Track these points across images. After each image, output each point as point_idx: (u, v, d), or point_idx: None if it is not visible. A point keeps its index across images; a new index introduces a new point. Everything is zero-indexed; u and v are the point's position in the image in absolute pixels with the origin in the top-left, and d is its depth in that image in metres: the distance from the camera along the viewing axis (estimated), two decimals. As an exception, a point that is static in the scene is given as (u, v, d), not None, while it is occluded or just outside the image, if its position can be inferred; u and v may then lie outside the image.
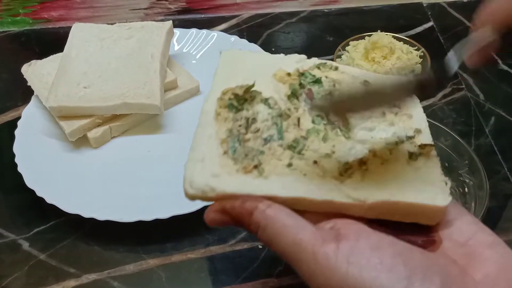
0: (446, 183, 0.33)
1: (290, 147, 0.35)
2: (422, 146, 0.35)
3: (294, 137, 0.36)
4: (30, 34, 0.91)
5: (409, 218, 0.33)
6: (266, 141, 0.36)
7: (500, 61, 0.82)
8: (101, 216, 0.59)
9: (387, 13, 0.93)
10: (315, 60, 0.42)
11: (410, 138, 0.36)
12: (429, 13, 0.92)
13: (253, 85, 0.39)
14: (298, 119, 0.37)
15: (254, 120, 0.37)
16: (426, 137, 0.36)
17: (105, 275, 0.58)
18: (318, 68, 0.41)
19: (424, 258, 0.30)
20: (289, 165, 0.34)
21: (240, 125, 0.37)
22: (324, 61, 0.42)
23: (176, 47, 0.83)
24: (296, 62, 0.42)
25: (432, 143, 0.36)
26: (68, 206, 0.60)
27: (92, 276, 0.58)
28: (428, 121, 0.39)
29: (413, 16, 0.92)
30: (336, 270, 0.29)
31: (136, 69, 0.72)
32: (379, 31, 0.81)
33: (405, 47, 0.80)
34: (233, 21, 0.92)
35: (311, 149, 0.35)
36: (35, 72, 0.74)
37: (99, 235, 0.61)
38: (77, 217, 0.60)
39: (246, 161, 0.34)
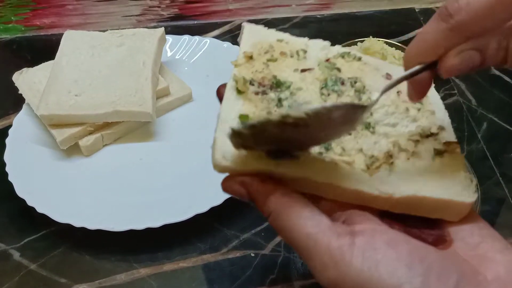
0: (472, 180, 0.34)
1: None
2: (447, 144, 0.36)
3: None
4: (22, 42, 0.91)
5: (435, 214, 0.33)
6: None
7: (492, 66, 0.82)
8: (92, 225, 0.59)
9: (379, 19, 0.93)
10: (339, 48, 0.42)
11: (434, 134, 0.36)
12: (422, 18, 0.92)
13: (281, 83, 0.38)
14: None
15: (280, 106, 0.37)
16: (449, 134, 0.37)
17: (96, 285, 0.58)
18: (342, 57, 0.41)
19: (439, 256, 0.30)
20: (320, 153, 0.34)
21: (267, 112, 0.36)
22: (348, 50, 0.42)
23: (169, 54, 0.83)
24: (321, 49, 0.42)
25: (456, 140, 0.36)
26: (59, 215, 0.60)
27: (83, 286, 0.57)
28: None
29: (405, 21, 0.92)
30: (352, 264, 0.29)
31: (127, 76, 0.72)
32: (371, 37, 0.81)
33: (397, 52, 0.80)
34: (225, 27, 0.92)
35: (337, 142, 0.35)
36: (26, 80, 0.74)
37: (90, 245, 0.61)
38: (68, 226, 0.59)
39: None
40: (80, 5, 0.92)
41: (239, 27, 0.92)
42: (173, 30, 0.89)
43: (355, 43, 0.81)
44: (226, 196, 0.59)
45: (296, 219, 0.31)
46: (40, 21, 0.93)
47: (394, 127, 0.37)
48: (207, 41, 0.84)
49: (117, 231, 0.58)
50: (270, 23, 0.93)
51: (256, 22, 0.92)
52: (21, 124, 0.71)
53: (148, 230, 0.58)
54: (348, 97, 0.38)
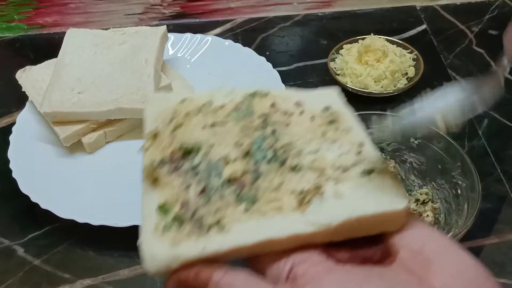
0: (400, 187, 0.33)
1: (241, 196, 0.33)
2: (374, 164, 0.35)
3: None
4: (24, 40, 0.92)
5: (375, 230, 0.33)
6: (214, 195, 0.33)
7: (492, 64, 0.83)
8: (95, 221, 0.59)
9: (380, 17, 0.94)
10: (244, 90, 0.39)
11: (358, 153, 0.35)
12: (422, 16, 0.93)
13: (190, 149, 0.36)
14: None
15: (197, 174, 0.34)
16: (370, 148, 0.36)
17: (100, 280, 0.58)
18: (251, 98, 0.39)
19: (383, 283, 0.30)
20: (246, 210, 0.33)
21: (186, 187, 0.34)
22: (252, 89, 0.39)
23: (171, 52, 0.83)
24: (225, 96, 0.39)
25: (379, 154, 0.36)
26: (63, 211, 0.60)
27: (86, 282, 0.58)
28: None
29: (406, 19, 0.92)
30: None
31: (130, 74, 0.72)
32: (372, 34, 0.82)
33: (398, 50, 0.80)
34: (227, 26, 0.92)
35: (262, 189, 0.33)
36: (29, 78, 0.75)
37: (93, 240, 0.61)
38: (72, 223, 0.60)
39: (203, 221, 0.32)
40: (83, 4, 0.92)
41: (241, 25, 0.92)
42: (175, 28, 0.89)
43: (356, 41, 0.82)
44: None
45: None
46: (42, 19, 0.93)
47: (316, 154, 0.36)
48: (209, 39, 0.84)
49: (120, 226, 0.59)
50: (271, 21, 0.93)
51: (258, 20, 0.93)
52: (24, 122, 0.72)
53: (151, 226, 0.59)
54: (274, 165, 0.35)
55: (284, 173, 0.34)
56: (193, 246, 0.31)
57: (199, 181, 0.33)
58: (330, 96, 0.40)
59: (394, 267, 0.31)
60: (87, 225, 0.59)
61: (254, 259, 0.33)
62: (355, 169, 0.34)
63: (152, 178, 0.34)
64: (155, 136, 0.36)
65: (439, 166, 0.61)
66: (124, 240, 0.60)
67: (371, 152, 0.35)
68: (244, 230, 0.32)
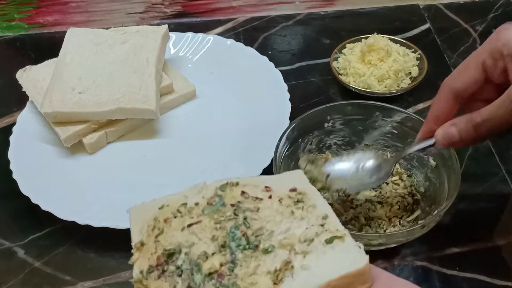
0: (360, 246, 0.37)
1: (222, 287, 0.36)
2: (335, 232, 0.39)
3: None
4: (25, 39, 0.91)
5: None
6: None
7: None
8: (96, 223, 0.59)
9: (383, 15, 0.93)
10: (215, 183, 0.43)
11: (321, 225, 0.39)
12: (426, 15, 0.92)
13: (172, 252, 0.39)
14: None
15: (181, 274, 0.38)
16: (332, 219, 0.40)
17: (101, 283, 0.57)
18: (222, 190, 0.42)
19: None
20: None
21: (173, 278, 0.37)
22: (223, 181, 0.43)
23: (172, 51, 0.83)
24: (198, 192, 0.43)
25: (339, 222, 0.39)
26: (63, 213, 0.60)
27: (87, 284, 0.57)
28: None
29: (410, 18, 0.92)
30: None
31: (131, 74, 0.72)
32: (375, 33, 0.81)
33: (402, 49, 0.80)
34: (229, 25, 0.92)
35: (240, 275, 0.37)
36: (29, 77, 0.74)
37: (94, 242, 0.61)
38: (73, 224, 0.59)
39: None
40: (83, 3, 0.92)
41: (242, 24, 0.92)
42: (176, 28, 0.88)
43: (359, 40, 0.81)
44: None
45: None
46: (43, 19, 0.93)
47: (288, 232, 0.39)
48: (210, 38, 0.84)
49: (121, 228, 0.58)
50: (273, 20, 0.92)
51: (260, 19, 0.92)
52: (25, 122, 0.71)
53: (153, 228, 0.58)
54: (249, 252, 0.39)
55: (258, 257, 0.38)
56: None
57: (184, 280, 0.37)
58: (296, 178, 0.44)
59: None
60: (88, 226, 0.59)
61: None
62: (318, 239, 0.38)
63: (143, 287, 0.38)
64: (141, 246, 0.40)
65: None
66: (125, 242, 0.59)
67: (333, 222, 0.39)
68: None
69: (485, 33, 0.87)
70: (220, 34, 0.88)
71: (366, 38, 0.80)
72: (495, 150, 0.69)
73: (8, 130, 0.71)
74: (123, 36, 0.77)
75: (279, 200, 0.41)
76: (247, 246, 0.38)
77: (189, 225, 0.40)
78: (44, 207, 0.61)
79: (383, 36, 0.80)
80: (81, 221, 0.59)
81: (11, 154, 0.67)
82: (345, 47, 0.81)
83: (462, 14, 0.92)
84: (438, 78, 0.79)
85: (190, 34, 0.84)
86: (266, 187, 0.43)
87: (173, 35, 0.83)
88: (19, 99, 0.74)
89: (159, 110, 0.70)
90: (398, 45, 0.80)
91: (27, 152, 0.68)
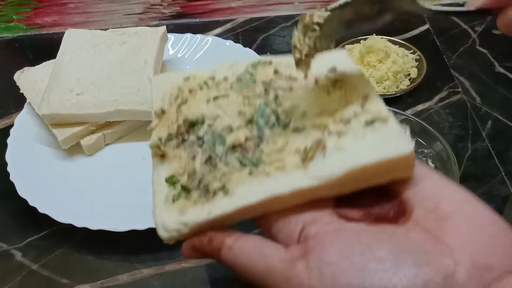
0: (405, 131, 0.32)
1: (245, 161, 0.34)
2: (376, 114, 0.34)
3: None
4: (23, 40, 0.91)
5: (383, 179, 0.32)
6: (219, 162, 0.35)
7: (496, 64, 0.82)
8: (94, 225, 0.59)
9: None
10: (247, 61, 0.41)
11: (361, 106, 0.35)
12: (425, 16, 0.92)
13: (195, 122, 0.37)
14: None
15: (202, 145, 0.36)
16: (375, 100, 0.35)
17: (98, 286, 0.57)
18: (254, 67, 0.40)
19: (395, 242, 0.29)
20: (250, 173, 0.34)
21: (192, 157, 0.35)
22: (255, 59, 0.40)
23: (171, 52, 0.83)
24: (228, 68, 0.40)
25: (383, 104, 0.35)
26: (61, 215, 0.60)
27: (85, 287, 0.57)
28: (393, 110, 0.38)
29: (409, 19, 0.91)
30: (313, 287, 0.29)
31: (129, 75, 0.71)
32: (374, 34, 0.81)
33: (401, 50, 0.79)
34: (228, 25, 0.92)
35: (266, 152, 0.34)
36: (27, 79, 0.74)
37: (92, 245, 0.60)
38: (70, 226, 0.59)
39: (209, 187, 0.34)
40: (82, 4, 0.92)
41: (241, 25, 0.92)
42: (175, 28, 0.88)
43: (358, 41, 0.81)
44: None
45: (251, 261, 0.31)
46: (41, 19, 0.93)
47: (321, 114, 0.36)
48: (209, 40, 0.84)
49: (119, 231, 0.58)
50: (272, 21, 0.92)
51: (258, 20, 0.92)
52: (22, 124, 0.71)
53: (150, 230, 0.58)
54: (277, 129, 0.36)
55: (287, 135, 0.35)
56: (199, 212, 0.33)
57: (204, 151, 0.35)
58: (337, 58, 0.39)
59: (409, 226, 0.30)
60: (85, 229, 0.59)
61: (265, 222, 0.33)
62: (357, 121, 0.34)
63: (160, 153, 0.36)
64: (162, 113, 0.38)
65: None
66: (123, 245, 0.60)
67: (376, 103, 0.35)
68: (248, 191, 0.33)
69: (484, 34, 0.87)
70: (219, 35, 0.88)
71: (365, 39, 0.80)
72: (494, 151, 0.69)
73: (5, 131, 0.71)
74: (121, 37, 0.77)
75: (315, 80, 0.38)
76: (276, 124, 0.36)
77: (215, 98, 0.38)
78: (41, 209, 0.60)
79: (382, 37, 0.80)
80: (79, 223, 0.59)
81: (8, 156, 0.66)
82: (344, 48, 0.81)
83: (462, 15, 0.91)
84: (437, 79, 0.80)
85: (188, 35, 0.84)
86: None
87: (171, 36, 0.83)
88: (17, 101, 0.74)
89: (157, 111, 0.70)
90: (397, 46, 0.80)
91: (25, 154, 0.68)
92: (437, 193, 0.31)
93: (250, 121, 0.36)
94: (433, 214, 0.30)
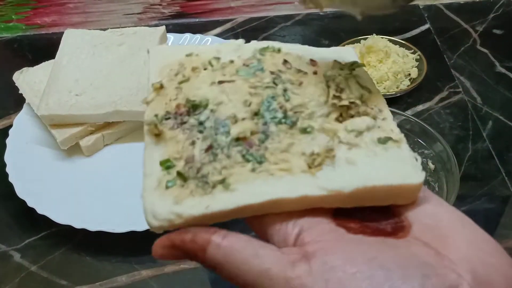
0: (417, 159, 0.32)
1: (249, 156, 0.33)
2: (389, 133, 0.34)
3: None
4: (23, 40, 0.91)
5: (386, 201, 0.32)
6: (221, 153, 0.33)
7: (497, 64, 0.81)
8: (92, 227, 0.58)
9: (383, 16, 0.92)
10: (255, 44, 0.38)
11: (373, 119, 0.34)
12: (426, 15, 0.91)
13: (197, 105, 0.35)
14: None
15: (202, 131, 0.34)
16: (388, 117, 0.34)
17: (97, 287, 0.57)
18: (262, 53, 0.38)
19: (398, 253, 0.28)
20: (253, 169, 0.32)
21: (191, 143, 0.33)
22: (264, 43, 0.38)
23: (170, 52, 0.82)
24: (234, 50, 0.38)
25: (396, 128, 0.34)
26: (60, 216, 0.60)
27: (83, 288, 0.57)
28: (393, 111, 0.37)
29: (409, 18, 0.91)
30: None
31: (128, 75, 0.71)
32: (374, 34, 0.80)
33: (401, 50, 0.79)
34: (227, 25, 0.91)
35: (271, 149, 0.33)
36: (26, 79, 0.74)
37: (91, 246, 0.60)
38: (69, 228, 0.59)
39: (208, 178, 0.32)
40: (81, 4, 0.91)
41: (241, 25, 0.91)
42: (174, 28, 0.88)
43: (358, 41, 0.80)
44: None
45: (243, 260, 0.29)
46: (41, 19, 0.92)
47: (329, 116, 0.35)
48: (209, 39, 0.83)
49: (118, 232, 0.58)
50: (272, 21, 0.92)
51: (258, 19, 0.92)
52: (21, 124, 0.71)
53: (149, 232, 0.57)
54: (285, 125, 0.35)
55: (294, 135, 0.34)
56: (197, 204, 0.30)
57: (205, 138, 0.33)
58: (345, 55, 0.38)
59: (409, 239, 0.30)
60: (84, 230, 0.58)
61: (257, 221, 0.32)
62: (369, 135, 0.33)
63: (155, 132, 0.33)
64: (160, 88, 0.35)
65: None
66: (122, 246, 0.60)
67: (388, 120, 0.34)
68: (251, 190, 0.31)
69: (485, 33, 0.87)
70: (218, 34, 0.88)
71: (365, 39, 0.80)
72: (495, 152, 0.69)
73: (4, 132, 0.70)
74: (120, 38, 0.76)
75: (326, 78, 0.36)
76: (283, 120, 0.34)
77: (220, 82, 0.36)
78: (40, 210, 0.60)
79: (382, 37, 0.80)
80: (77, 225, 0.59)
81: (7, 157, 0.66)
82: (344, 48, 0.81)
83: (462, 14, 0.91)
84: (438, 79, 0.79)
85: (188, 35, 0.84)
86: (311, 60, 0.37)
87: (171, 36, 0.82)
88: (16, 101, 0.74)
89: (157, 112, 0.70)
90: (398, 46, 0.80)
91: (24, 155, 0.67)
92: (436, 213, 0.31)
93: (256, 114, 0.34)
94: (432, 232, 0.30)
